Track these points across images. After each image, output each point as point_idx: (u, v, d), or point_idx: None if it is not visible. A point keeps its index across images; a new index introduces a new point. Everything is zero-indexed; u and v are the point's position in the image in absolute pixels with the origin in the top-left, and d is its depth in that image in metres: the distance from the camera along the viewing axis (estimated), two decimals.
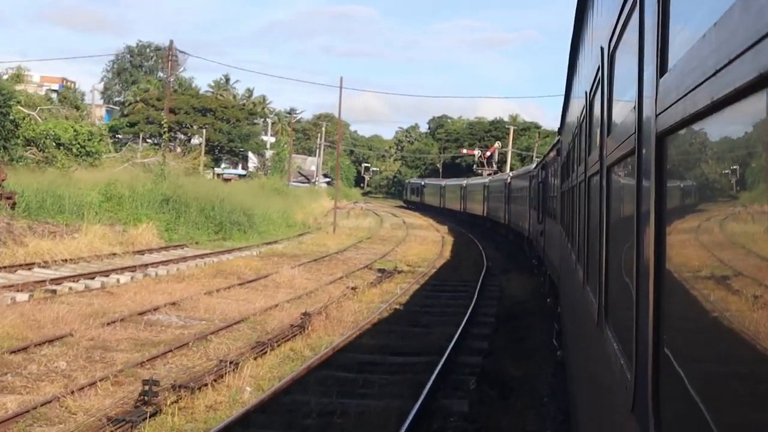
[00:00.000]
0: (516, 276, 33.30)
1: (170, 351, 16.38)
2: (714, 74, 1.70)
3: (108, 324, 18.48)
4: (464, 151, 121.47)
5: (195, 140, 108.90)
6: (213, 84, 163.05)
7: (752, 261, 1.65)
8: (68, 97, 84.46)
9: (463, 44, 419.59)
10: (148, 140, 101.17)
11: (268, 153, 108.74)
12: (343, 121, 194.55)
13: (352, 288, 25.92)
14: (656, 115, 2.50)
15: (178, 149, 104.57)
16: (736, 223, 1.82)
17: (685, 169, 2.42)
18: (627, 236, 3.36)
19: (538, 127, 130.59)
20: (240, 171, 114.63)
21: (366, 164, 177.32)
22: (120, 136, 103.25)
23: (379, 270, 34.03)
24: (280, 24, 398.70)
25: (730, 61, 1.58)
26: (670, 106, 2.25)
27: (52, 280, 23.62)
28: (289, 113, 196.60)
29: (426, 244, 49.21)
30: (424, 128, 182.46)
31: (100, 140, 59.05)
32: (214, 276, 28.07)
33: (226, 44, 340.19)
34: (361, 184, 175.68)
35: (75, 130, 55.55)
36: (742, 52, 1.50)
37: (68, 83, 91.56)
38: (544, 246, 24.00)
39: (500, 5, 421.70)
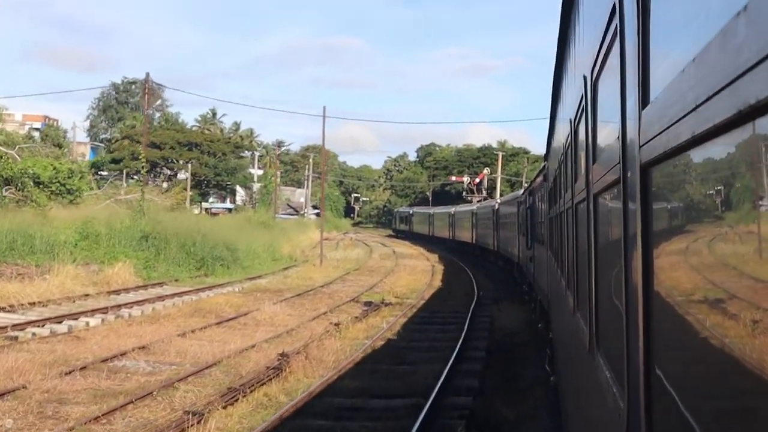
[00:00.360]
0: (508, 305, 31.99)
1: (131, 402, 14.97)
2: (694, 109, 1.73)
3: (68, 373, 17.06)
4: (453, 178, 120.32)
5: (181, 175, 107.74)
6: (199, 118, 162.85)
7: (735, 285, 1.68)
8: (50, 135, 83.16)
9: (452, 72, 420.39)
10: (134, 177, 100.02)
11: (256, 186, 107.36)
12: (330, 152, 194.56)
13: (336, 324, 24.53)
14: (640, 146, 2.53)
15: (164, 185, 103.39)
16: (720, 250, 1.82)
17: (670, 199, 2.43)
18: (615, 264, 3.36)
19: (526, 152, 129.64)
20: (228, 205, 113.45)
21: (356, 194, 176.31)
22: (105, 173, 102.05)
23: (366, 303, 32.71)
24: (268, 57, 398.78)
25: (709, 98, 1.59)
26: (654, 137, 2.28)
27: (14, 325, 22.18)
28: (277, 146, 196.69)
29: (415, 274, 47.89)
30: (412, 157, 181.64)
31: (81, 177, 57.69)
32: (191, 315, 26.68)
33: (214, 78, 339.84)
34: (352, 215, 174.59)
35: (55, 168, 54.21)
36: (721, 89, 1.52)
37: (50, 121, 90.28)
38: (534, 272, 24.12)
39: (486, 32, 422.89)
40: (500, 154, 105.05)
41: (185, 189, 74.53)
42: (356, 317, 27.53)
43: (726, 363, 1.71)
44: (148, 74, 43.24)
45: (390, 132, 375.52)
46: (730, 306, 1.72)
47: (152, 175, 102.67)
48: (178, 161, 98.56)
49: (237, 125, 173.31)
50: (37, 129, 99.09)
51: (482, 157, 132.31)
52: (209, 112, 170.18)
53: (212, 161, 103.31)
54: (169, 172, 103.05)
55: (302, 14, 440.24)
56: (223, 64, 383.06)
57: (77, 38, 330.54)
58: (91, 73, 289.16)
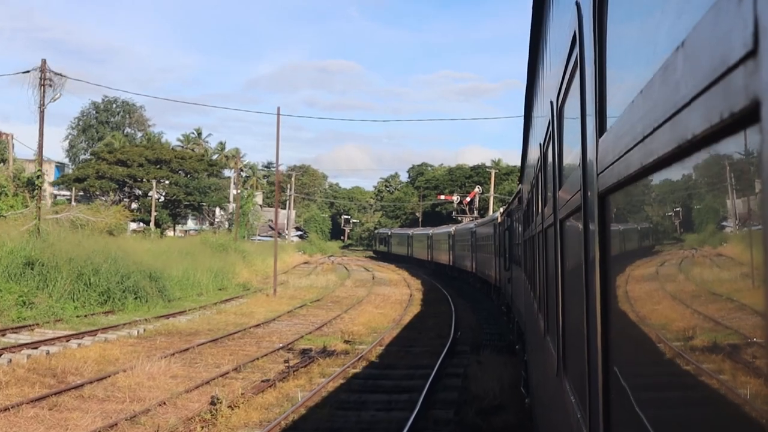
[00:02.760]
0: (491, 356, 23.25)
1: None
2: (642, 140, 1.75)
3: None
4: (442, 197, 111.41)
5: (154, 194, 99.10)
6: (182, 138, 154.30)
7: (685, 303, 1.71)
8: None
9: (447, 94, 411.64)
10: (102, 197, 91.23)
11: (231, 206, 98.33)
12: (321, 173, 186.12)
13: (212, 403, 15.64)
14: (598, 174, 2.54)
15: (133, 205, 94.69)
16: (673, 273, 1.84)
17: (625, 225, 2.42)
18: (579, 288, 3.34)
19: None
20: (194, 227, 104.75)
21: (346, 216, 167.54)
22: (67, 193, 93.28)
23: (302, 352, 24.00)
24: (264, 79, 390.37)
25: (654, 130, 1.62)
26: (609, 165, 2.28)
27: None
28: (267, 167, 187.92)
29: (386, 306, 39.08)
30: (404, 177, 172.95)
31: (4, 193, 48.94)
32: (23, 383, 17.88)
33: (211, 100, 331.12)
34: (342, 237, 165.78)
35: None
36: (663, 122, 1.53)
37: (8, 137, 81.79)
38: (511, 293, 22.96)
39: (482, 56, 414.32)
40: (493, 171, 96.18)
41: (125, 207, 65.32)
42: (270, 379, 18.79)
43: (685, 384, 1.71)
44: (44, 61, 34.54)
45: (385, 154, 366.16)
46: (687, 325, 1.70)
47: (121, 195, 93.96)
48: (143, 180, 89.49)
49: (222, 145, 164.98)
50: None
51: (475, 176, 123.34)
52: (194, 132, 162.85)
53: (183, 180, 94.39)
54: (138, 191, 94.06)
55: (297, 37, 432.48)
56: (220, 87, 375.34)
57: (72, 63, 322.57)
58: (86, 93, 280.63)
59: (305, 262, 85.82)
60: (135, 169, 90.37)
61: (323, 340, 26.36)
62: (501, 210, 35.08)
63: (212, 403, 15.36)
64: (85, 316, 28.34)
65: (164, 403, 15.99)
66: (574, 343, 3.82)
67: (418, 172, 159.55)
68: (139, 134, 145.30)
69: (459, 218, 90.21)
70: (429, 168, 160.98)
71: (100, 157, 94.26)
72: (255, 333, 28.05)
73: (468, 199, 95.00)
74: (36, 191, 58.95)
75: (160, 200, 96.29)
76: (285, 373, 19.84)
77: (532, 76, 8.74)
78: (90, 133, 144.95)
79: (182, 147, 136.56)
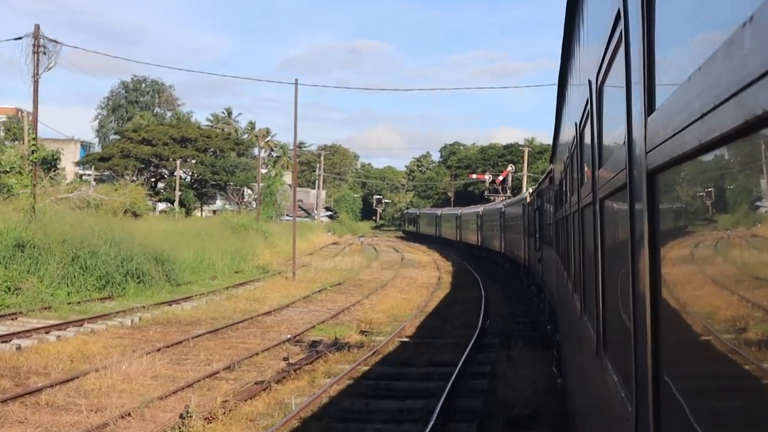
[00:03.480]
0: (523, 351, 20.43)
1: None
2: (700, 117, 1.70)
3: None
4: (474, 176, 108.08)
5: (179, 173, 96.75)
6: (212, 117, 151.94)
7: (743, 290, 1.65)
8: (12, 128, 71.88)
9: (479, 74, 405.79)
10: (127, 177, 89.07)
11: (258, 186, 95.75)
12: (352, 153, 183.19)
13: (182, 417, 12.87)
14: (646, 153, 2.49)
15: (159, 185, 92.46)
16: (728, 256, 1.80)
17: (677, 205, 2.35)
18: (622, 268, 3.32)
19: None
20: (216, 206, 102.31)
21: (378, 196, 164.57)
22: (90, 173, 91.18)
23: (311, 345, 21.29)
24: (296, 61, 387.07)
25: (716, 107, 1.57)
26: (660, 144, 2.24)
27: None
28: (299, 147, 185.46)
29: (411, 291, 36.28)
30: (436, 157, 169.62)
31: (18, 172, 46.62)
32: None
33: (242, 83, 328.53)
34: (374, 217, 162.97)
35: None
36: (727, 99, 1.50)
37: (23, 114, 79.80)
38: (542, 273, 22.63)
39: (514, 35, 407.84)
40: (526, 150, 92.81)
41: (159, 188, 62.62)
42: (261, 383, 16.03)
43: (736, 370, 1.67)
44: (37, 27, 31.79)
45: (417, 134, 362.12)
46: (739, 311, 1.68)
47: (147, 175, 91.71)
48: (172, 159, 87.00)
49: (252, 124, 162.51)
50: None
51: (508, 155, 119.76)
52: (224, 111, 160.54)
53: (210, 159, 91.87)
54: (164, 171, 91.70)
55: (328, 18, 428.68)
56: (251, 69, 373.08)
57: (103, 45, 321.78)
58: (120, 75, 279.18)
59: (334, 243, 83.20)
60: (160, 147, 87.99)
61: (336, 331, 23.60)
62: (530, 190, 34.59)
63: (182, 417, 12.59)
64: (78, 303, 25.74)
65: (129, 415, 13.26)
66: (616, 323, 3.76)
67: (450, 151, 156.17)
68: (169, 114, 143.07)
69: (491, 198, 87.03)
70: (461, 147, 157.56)
71: (126, 137, 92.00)
72: (263, 322, 25.34)
73: (500, 178, 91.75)
74: (52, 170, 56.83)
75: (186, 180, 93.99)
76: (285, 373, 17.09)
77: (567, 55, 8.55)
78: (119, 113, 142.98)
79: (212, 126, 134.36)
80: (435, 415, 13.35)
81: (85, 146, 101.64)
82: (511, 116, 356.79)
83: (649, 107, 2.47)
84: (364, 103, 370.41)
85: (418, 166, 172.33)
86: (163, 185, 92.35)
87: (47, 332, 20.58)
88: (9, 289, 24.71)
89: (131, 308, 25.55)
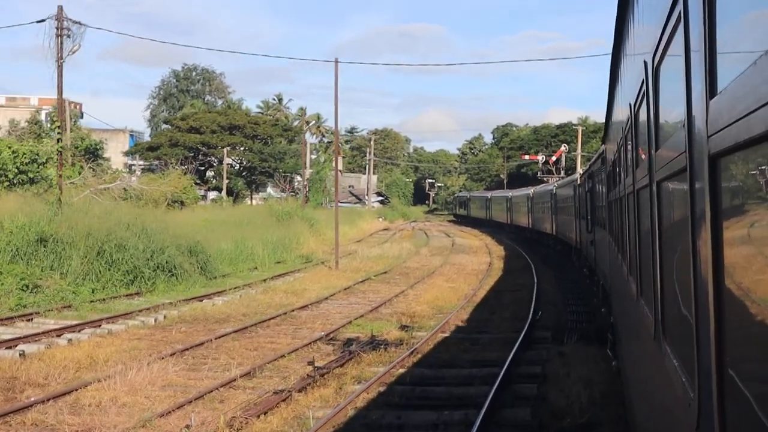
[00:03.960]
0: (578, 347, 18.45)
1: None
2: (767, 103, 1.68)
3: None
4: (526, 157, 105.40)
5: (228, 160, 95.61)
6: (262, 104, 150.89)
7: None
8: (55, 119, 70.93)
9: (531, 54, 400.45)
10: (177, 166, 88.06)
11: (307, 172, 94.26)
12: (404, 137, 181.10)
13: None
14: (708, 136, 2.46)
15: (209, 173, 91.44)
16: None
17: (741, 190, 2.31)
18: (682, 252, 3.29)
19: None
20: (265, 194, 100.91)
21: (430, 180, 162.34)
22: (140, 162, 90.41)
23: (345, 343, 19.56)
24: (348, 45, 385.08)
25: None
26: (723, 128, 2.22)
27: None
28: (350, 132, 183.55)
29: (459, 279, 34.31)
30: (488, 139, 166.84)
31: (48, 162, 45.45)
32: None
33: (294, 69, 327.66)
34: (426, 201, 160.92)
35: (14, 152, 42.11)
36: None
37: (71, 105, 79.10)
38: (595, 256, 21.94)
39: (567, 15, 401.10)
40: (580, 129, 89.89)
41: (184, 174, 61.14)
42: (281, 392, 14.24)
43: None
44: (60, 8, 30.26)
45: (470, 117, 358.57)
46: None
47: (196, 163, 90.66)
48: (220, 147, 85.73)
49: (302, 110, 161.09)
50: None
51: (561, 134, 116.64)
52: (274, 98, 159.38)
53: (258, 146, 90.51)
54: (213, 159, 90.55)
55: (380, 1, 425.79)
56: (304, 54, 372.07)
57: (158, 35, 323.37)
58: (171, 65, 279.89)
59: (385, 229, 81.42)
60: (208, 135, 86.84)
61: (374, 326, 21.79)
62: (581, 171, 34.35)
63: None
64: (103, 300, 24.18)
65: None
66: (675, 307, 3.76)
67: (502, 132, 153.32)
68: (219, 102, 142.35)
69: (545, 179, 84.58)
70: (513, 128, 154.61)
71: (174, 125, 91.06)
72: (297, 317, 23.59)
73: (554, 158, 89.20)
74: (94, 160, 55.76)
75: (234, 168, 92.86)
76: (310, 379, 15.29)
77: (620, 35, 8.41)
78: (171, 102, 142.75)
79: (262, 113, 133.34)
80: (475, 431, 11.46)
81: (134, 136, 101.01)
82: (564, 97, 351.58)
83: (711, 90, 2.41)
84: (416, 86, 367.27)
85: (471, 149, 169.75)
86: (212, 173, 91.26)
87: (59, 335, 18.98)
88: (27, 287, 23.19)
89: (158, 305, 23.96)
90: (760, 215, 2.08)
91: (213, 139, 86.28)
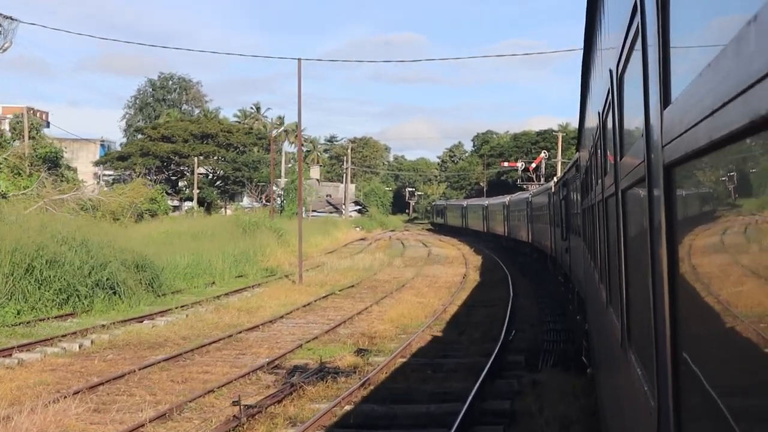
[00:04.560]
0: (554, 374, 16.10)
1: None
2: (711, 114, 1.71)
3: None
4: (505, 164, 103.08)
5: (201, 170, 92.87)
6: (239, 113, 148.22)
7: (760, 279, 1.64)
8: (17, 128, 68.10)
9: (512, 63, 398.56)
10: (149, 176, 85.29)
11: (282, 181, 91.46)
12: (383, 145, 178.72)
13: None
14: (663, 146, 2.50)
15: (181, 183, 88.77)
16: (743, 250, 1.82)
17: (693, 199, 2.39)
18: (644, 260, 3.28)
19: None
20: (256, 204, 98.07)
21: (410, 188, 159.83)
22: (110, 172, 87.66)
23: (290, 372, 17.12)
24: (330, 55, 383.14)
25: (724, 104, 1.58)
26: (675, 138, 2.25)
27: None
28: (329, 141, 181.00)
29: (430, 293, 31.87)
30: (469, 146, 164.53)
31: (17, 173, 42.84)
32: None
33: (276, 79, 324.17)
34: (407, 210, 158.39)
35: None
36: (734, 97, 1.49)
37: (35, 113, 76.65)
38: (570, 263, 20.96)
39: (548, 24, 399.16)
40: (560, 135, 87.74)
41: (144, 185, 58.30)
42: None
43: (756, 357, 1.64)
44: None
45: (451, 126, 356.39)
46: (757, 300, 1.66)
47: (168, 173, 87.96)
48: (189, 156, 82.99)
49: (281, 119, 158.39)
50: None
51: (541, 141, 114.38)
52: (252, 106, 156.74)
53: (231, 155, 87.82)
54: (185, 169, 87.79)
55: (362, 12, 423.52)
56: (286, 65, 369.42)
57: (140, 47, 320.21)
58: (151, 75, 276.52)
59: (361, 239, 78.90)
60: (180, 144, 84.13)
61: (328, 350, 19.39)
62: (555, 179, 33.35)
63: None
64: (28, 323, 21.61)
65: None
66: (639, 315, 3.78)
67: (482, 140, 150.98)
68: (197, 111, 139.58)
69: (524, 186, 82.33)
70: (494, 136, 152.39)
71: (145, 134, 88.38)
72: (243, 340, 21.10)
73: (533, 165, 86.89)
74: (53, 169, 53.02)
75: (208, 177, 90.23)
76: (235, 421, 12.81)
77: (590, 43, 8.37)
78: (147, 112, 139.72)
79: (239, 122, 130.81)
80: None
81: (105, 145, 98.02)
82: (545, 105, 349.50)
83: (665, 100, 2.48)
84: (397, 95, 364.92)
85: (451, 157, 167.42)
86: (185, 183, 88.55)
87: None
88: None
89: (90, 328, 21.42)
90: (712, 224, 2.11)
91: (185, 148, 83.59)
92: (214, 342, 20.33)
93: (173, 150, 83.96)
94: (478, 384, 15.03)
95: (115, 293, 25.77)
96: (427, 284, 35.50)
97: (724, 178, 1.93)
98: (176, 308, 25.48)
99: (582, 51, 9.43)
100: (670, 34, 2.45)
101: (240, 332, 21.89)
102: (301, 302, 28.44)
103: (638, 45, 3.11)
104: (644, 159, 3.00)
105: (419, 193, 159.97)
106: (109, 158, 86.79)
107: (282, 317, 25.02)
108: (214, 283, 34.09)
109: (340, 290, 32.58)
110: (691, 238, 2.37)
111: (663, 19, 2.51)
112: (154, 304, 26.95)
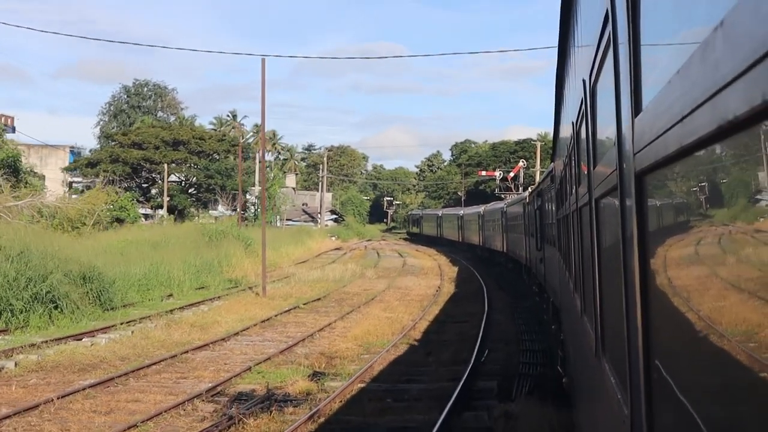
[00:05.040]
0: (530, 404, 14.16)
1: None
2: (680, 120, 1.71)
3: None
4: (483, 173, 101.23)
5: (173, 178, 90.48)
6: (215, 120, 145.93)
7: (729, 285, 1.64)
8: None
9: (492, 74, 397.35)
10: (119, 184, 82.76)
11: (256, 190, 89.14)
12: (360, 154, 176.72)
13: None
14: (634, 154, 2.49)
15: (153, 190, 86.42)
16: (715, 257, 1.80)
17: (664, 206, 2.38)
18: (617, 268, 3.27)
19: None
20: (230, 212, 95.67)
21: (388, 198, 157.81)
22: (80, 179, 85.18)
23: (233, 400, 15.13)
24: (309, 64, 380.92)
25: (693, 110, 1.57)
26: (646, 146, 2.24)
27: None
28: (307, 149, 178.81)
29: (400, 307, 29.89)
30: (447, 156, 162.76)
31: None
32: None
33: (254, 87, 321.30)
34: (385, 220, 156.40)
35: None
36: (702, 103, 1.49)
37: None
38: (544, 273, 20.97)
39: (526, 34, 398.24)
40: (539, 144, 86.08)
41: (104, 191, 55.82)
42: None
43: (727, 364, 1.64)
44: None
45: (431, 136, 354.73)
46: (727, 307, 1.66)
47: (139, 180, 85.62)
48: (159, 163, 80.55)
49: (257, 127, 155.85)
50: None
51: (520, 151, 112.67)
52: (228, 114, 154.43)
53: (204, 162, 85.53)
54: (156, 176, 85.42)
55: (341, 21, 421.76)
56: (267, 73, 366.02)
57: (116, 54, 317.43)
58: (127, 82, 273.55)
59: (336, 249, 76.86)
60: (151, 151, 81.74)
61: (279, 374, 17.40)
62: (530, 189, 33.32)
63: None
64: None
65: None
66: (612, 323, 3.75)
67: (461, 149, 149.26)
68: (172, 118, 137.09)
69: (502, 196, 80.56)
70: (472, 145, 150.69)
71: (115, 140, 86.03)
72: (189, 361, 19.04)
73: (511, 174, 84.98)
74: (11, 175, 50.64)
75: (180, 184, 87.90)
76: None
77: (563, 53, 8.33)
78: (121, 119, 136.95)
79: (215, 130, 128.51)
80: None
81: (74, 152, 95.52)
82: (524, 114, 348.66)
83: (636, 108, 2.47)
84: (377, 105, 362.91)
85: (429, 166, 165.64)
86: (157, 191, 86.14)
87: None
88: None
89: (19, 347, 19.32)
90: (683, 231, 2.09)
91: (156, 155, 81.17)
92: (155, 363, 18.27)
93: (143, 157, 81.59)
94: (442, 417, 13.08)
95: (56, 307, 23.62)
96: (399, 297, 33.54)
97: (694, 185, 1.91)
98: (122, 324, 23.35)
99: (556, 64, 9.25)
100: (641, 42, 2.43)
101: (186, 352, 19.83)
102: (261, 317, 26.39)
103: (610, 54, 3.11)
104: (616, 167, 2.99)
105: (397, 202, 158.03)
106: (78, 165, 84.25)
107: (237, 334, 22.97)
108: (171, 295, 31.95)
109: (304, 304, 30.54)
110: (663, 246, 2.34)
111: (634, 27, 2.50)
112: (102, 318, 24.83)
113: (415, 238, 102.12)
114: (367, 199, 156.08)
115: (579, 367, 7.67)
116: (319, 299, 32.51)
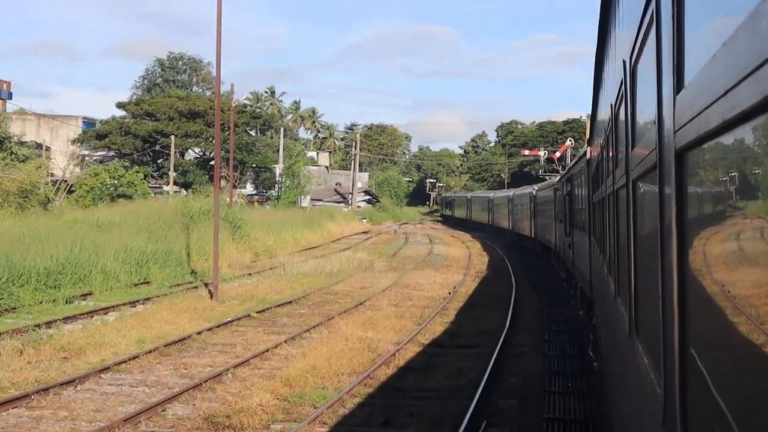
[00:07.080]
0: None
1: None
2: (724, 95, 1.68)
3: None
4: (526, 152, 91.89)
5: (191, 153, 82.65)
6: (251, 96, 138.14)
7: None
8: None
9: (543, 59, 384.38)
10: (129, 157, 75.04)
11: (279, 167, 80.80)
12: (402, 133, 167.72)
13: None
14: (675, 132, 2.44)
15: (167, 165, 78.51)
16: (755, 236, 1.73)
17: (704, 184, 2.28)
18: (653, 250, 3.20)
19: None
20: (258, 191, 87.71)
21: (431, 180, 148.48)
22: (86, 152, 77.61)
23: None
24: (358, 47, 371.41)
25: (737, 83, 1.55)
26: (687, 123, 2.19)
27: None
28: (350, 128, 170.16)
29: (389, 320, 21.41)
30: (492, 137, 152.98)
31: None
32: None
33: (304, 70, 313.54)
34: (427, 202, 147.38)
35: None
36: (747, 75, 1.47)
37: None
38: (573, 258, 20.84)
39: (579, 19, 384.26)
40: (588, 122, 76.74)
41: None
42: None
43: (762, 350, 1.58)
44: None
45: (479, 119, 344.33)
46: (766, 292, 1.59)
47: (152, 153, 77.85)
48: (174, 135, 72.38)
49: (297, 104, 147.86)
50: None
51: (568, 131, 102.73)
52: (266, 90, 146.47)
53: (224, 135, 77.31)
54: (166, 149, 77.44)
55: (391, 4, 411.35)
56: (314, 57, 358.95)
57: (169, 35, 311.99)
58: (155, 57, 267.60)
59: (363, 232, 68.61)
60: (164, 123, 73.82)
61: None
62: (559, 175, 32.63)
63: None
64: None
65: None
66: (647, 305, 3.70)
67: (507, 130, 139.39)
68: (208, 92, 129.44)
69: (547, 177, 71.62)
70: (519, 126, 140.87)
71: (128, 110, 78.33)
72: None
73: (558, 154, 75.93)
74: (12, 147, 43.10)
75: (200, 159, 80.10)
76: None
77: (603, 36, 8.13)
78: (155, 93, 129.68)
79: (251, 106, 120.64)
80: None
81: (87, 123, 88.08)
82: (573, 100, 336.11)
83: (678, 86, 2.39)
84: (429, 90, 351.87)
85: (474, 147, 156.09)
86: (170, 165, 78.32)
87: None
88: None
89: None
90: (723, 212, 2.04)
91: (169, 127, 73.19)
92: None
93: (155, 128, 73.74)
94: None
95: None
96: (398, 301, 24.97)
97: (737, 162, 1.85)
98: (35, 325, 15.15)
99: (596, 47, 8.97)
100: (685, 18, 2.36)
101: (2, 404, 11.54)
102: (179, 334, 18.07)
103: (653, 32, 3.05)
104: (656, 146, 2.92)
105: (440, 184, 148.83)
106: (87, 137, 76.77)
107: (106, 369, 14.62)
108: (89, 294, 23.64)
109: (260, 311, 22.05)
110: (703, 227, 2.28)
111: (678, 5, 2.41)
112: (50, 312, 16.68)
113: (449, 221, 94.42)
114: (410, 181, 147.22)
115: (611, 348, 7.26)
116: (290, 302, 24.04)
